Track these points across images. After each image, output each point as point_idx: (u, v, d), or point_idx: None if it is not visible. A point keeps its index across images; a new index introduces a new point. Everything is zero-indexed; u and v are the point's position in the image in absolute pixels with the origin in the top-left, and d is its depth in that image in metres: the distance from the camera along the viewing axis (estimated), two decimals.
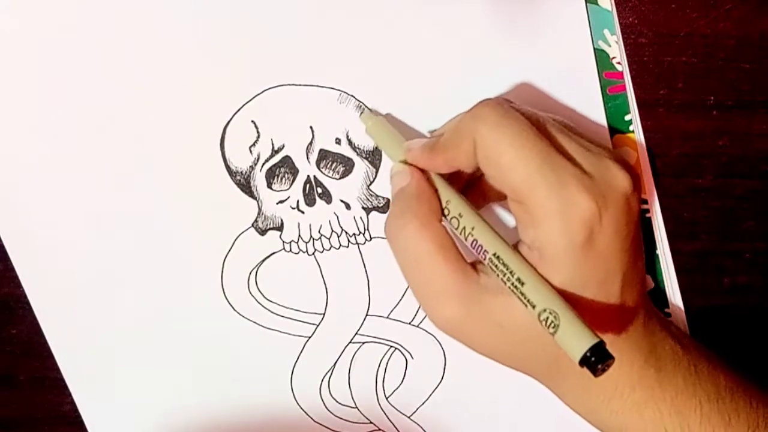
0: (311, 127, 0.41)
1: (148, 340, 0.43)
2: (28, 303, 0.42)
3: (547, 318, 0.31)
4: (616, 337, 0.35)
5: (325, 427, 0.45)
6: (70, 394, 0.44)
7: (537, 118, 0.35)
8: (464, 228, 0.35)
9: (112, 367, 0.44)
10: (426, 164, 0.37)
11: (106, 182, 0.41)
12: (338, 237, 0.42)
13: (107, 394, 0.44)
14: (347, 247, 0.42)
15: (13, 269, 0.42)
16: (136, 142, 0.41)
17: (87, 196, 0.41)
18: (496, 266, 0.34)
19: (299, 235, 0.42)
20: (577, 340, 0.31)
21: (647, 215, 0.42)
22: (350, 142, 0.41)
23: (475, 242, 0.35)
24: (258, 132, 0.41)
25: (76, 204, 0.41)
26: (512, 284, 0.33)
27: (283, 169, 0.41)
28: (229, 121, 0.40)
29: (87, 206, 0.41)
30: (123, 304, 0.43)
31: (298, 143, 0.41)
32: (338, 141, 0.41)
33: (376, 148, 0.41)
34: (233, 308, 0.43)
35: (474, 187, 0.38)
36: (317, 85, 0.40)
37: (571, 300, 0.33)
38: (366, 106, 0.41)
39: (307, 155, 0.41)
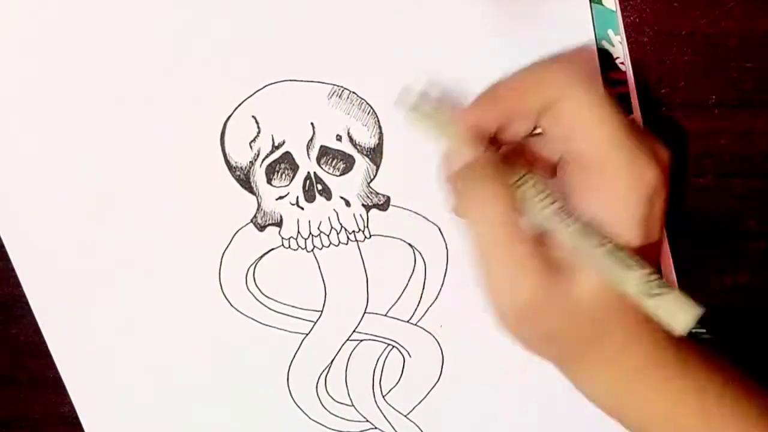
0: (312, 123, 0.41)
1: (144, 337, 0.43)
2: (27, 303, 0.42)
3: (655, 281, 0.32)
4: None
5: (321, 424, 0.44)
6: (69, 394, 0.44)
7: None
8: (549, 195, 0.34)
9: (109, 365, 0.43)
10: (479, 113, 0.35)
11: (105, 178, 0.41)
12: (337, 234, 0.42)
13: (104, 392, 0.44)
14: (346, 244, 0.42)
15: (13, 269, 0.42)
16: (136, 139, 0.41)
17: (86, 193, 0.41)
18: (588, 233, 0.33)
19: (298, 231, 0.42)
20: (682, 307, 0.31)
21: None
22: (351, 139, 0.41)
23: (563, 208, 0.34)
24: (258, 127, 0.41)
25: (75, 201, 0.41)
26: (608, 250, 0.33)
27: (283, 165, 0.41)
28: (229, 116, 0.40)
29: (86, 203, 0.41)
30: (121, 300, 0.42)
31: (299, 139, 0.41)
32: (339, 138, 0.41)
33: (377, 145, 0.41)
34: (231, 304, 0.43)
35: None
36: (318, 81, 0.40)
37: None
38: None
39: (308, 151, 0.41)
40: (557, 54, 0.37)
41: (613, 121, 0.33)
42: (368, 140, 0.41)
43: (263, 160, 0.41)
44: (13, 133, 0.40)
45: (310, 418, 0.44)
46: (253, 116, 0.40)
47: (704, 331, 0.32)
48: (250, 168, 0.41)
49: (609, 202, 0.34)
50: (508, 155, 0.36)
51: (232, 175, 0.41)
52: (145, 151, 0.41)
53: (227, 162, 0.41)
